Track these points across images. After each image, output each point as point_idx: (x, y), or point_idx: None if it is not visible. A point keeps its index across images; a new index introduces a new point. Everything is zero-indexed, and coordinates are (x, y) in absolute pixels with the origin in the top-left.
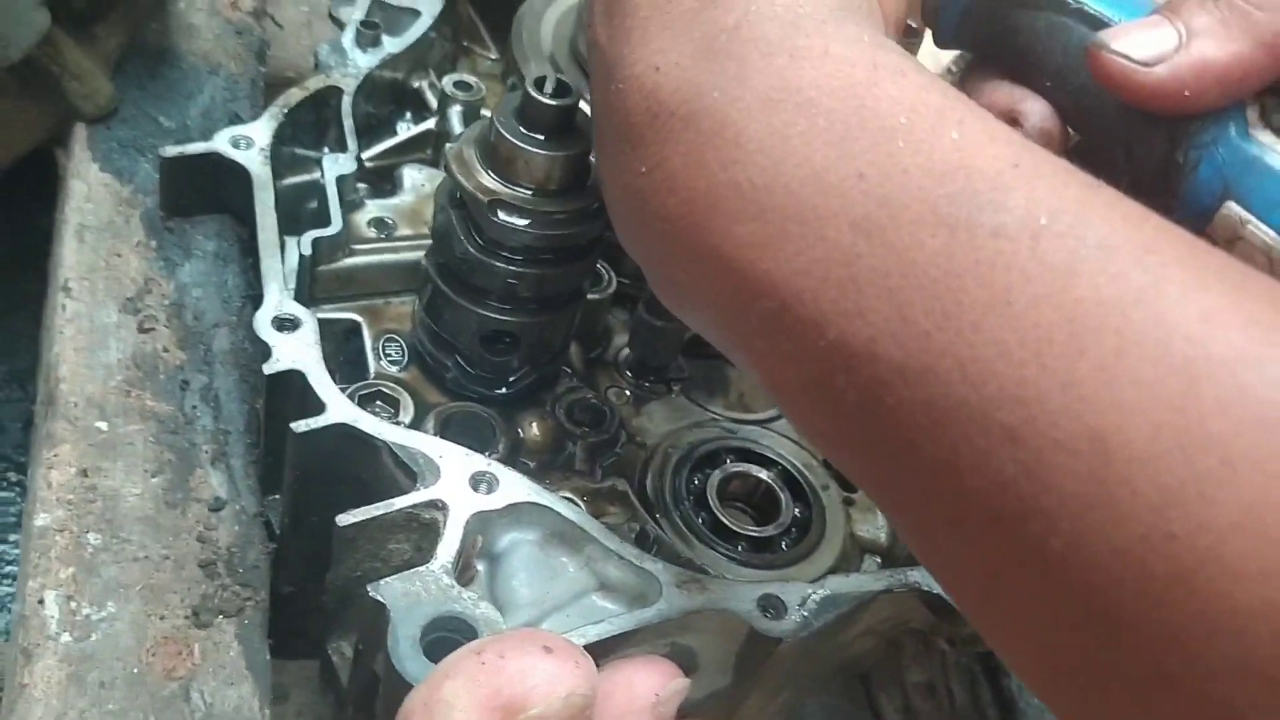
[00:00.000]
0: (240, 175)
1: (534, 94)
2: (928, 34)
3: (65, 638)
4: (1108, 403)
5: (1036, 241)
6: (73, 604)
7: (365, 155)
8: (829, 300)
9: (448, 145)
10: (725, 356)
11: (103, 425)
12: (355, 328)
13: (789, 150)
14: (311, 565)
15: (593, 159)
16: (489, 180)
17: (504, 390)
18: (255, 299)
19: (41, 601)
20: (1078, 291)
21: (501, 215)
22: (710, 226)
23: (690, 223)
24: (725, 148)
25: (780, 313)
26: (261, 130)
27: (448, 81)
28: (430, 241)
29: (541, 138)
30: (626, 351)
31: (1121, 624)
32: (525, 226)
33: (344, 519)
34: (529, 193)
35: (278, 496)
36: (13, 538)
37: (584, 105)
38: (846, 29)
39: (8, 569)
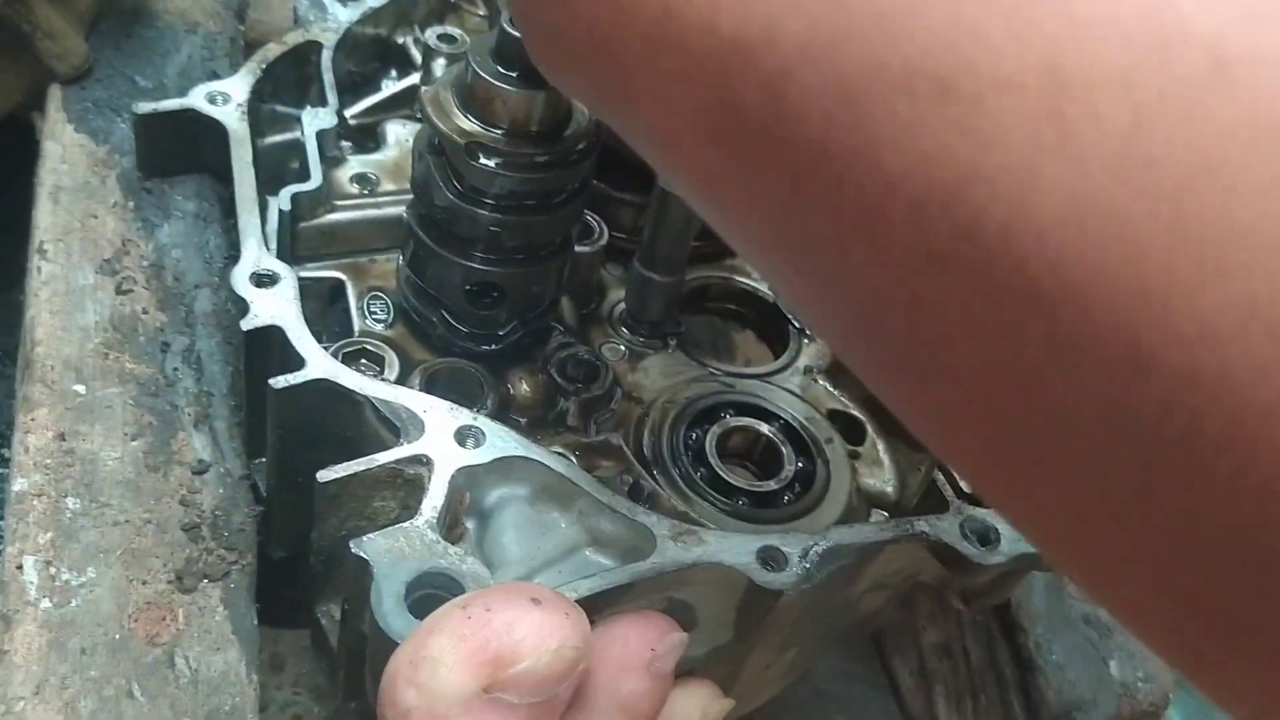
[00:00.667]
0: (217, 132)
1: (510, 29)
2: None
3: (45, 603)
4: (1062, 19)
5: None
6: (52, 569)
7: (349, 112)
8: None
9: (423, 88)
10: (720, 309)
11: (80, 388)
12: (339, 286)
13: None
14: (300, 528)
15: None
16: (466, 123)
17: (493, 346)
18: (237, 259)
19: (20, 567)
20: None
21: (480, 159)
22: None
23: None
24: None
25: (666, 17)
26: (238, 86)
27: (431, 34)
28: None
29: (519, 76)
30: (621, 306)
31: (1079, 292)
32: (505, 170)
33: (325, 475)
34: (508, 135)
35: (264, 460)
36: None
37: None
38: None
39: None
